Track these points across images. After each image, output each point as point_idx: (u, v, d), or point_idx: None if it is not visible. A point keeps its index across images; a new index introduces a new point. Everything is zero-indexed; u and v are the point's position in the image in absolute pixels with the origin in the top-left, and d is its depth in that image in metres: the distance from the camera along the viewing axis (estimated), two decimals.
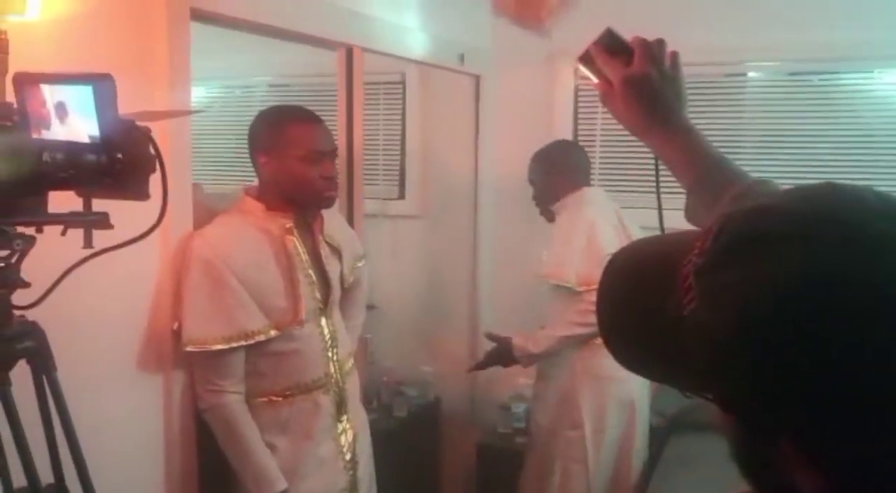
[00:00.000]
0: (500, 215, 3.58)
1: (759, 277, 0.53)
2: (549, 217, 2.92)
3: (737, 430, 0.59)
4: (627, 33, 1.06)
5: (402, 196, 3.72)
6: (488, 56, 3.45)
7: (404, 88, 3.64)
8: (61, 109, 1.06)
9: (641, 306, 0.63)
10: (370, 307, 3.07)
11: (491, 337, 2.90)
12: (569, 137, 3.44)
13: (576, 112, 3.47)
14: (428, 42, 2.99)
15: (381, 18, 2.69)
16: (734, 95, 3.20)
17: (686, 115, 1.05)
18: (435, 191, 3.66)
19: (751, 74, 3.22)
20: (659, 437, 2.96)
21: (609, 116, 3.47)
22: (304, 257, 2.01)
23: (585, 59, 1.06)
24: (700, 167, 1.01)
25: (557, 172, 2.89)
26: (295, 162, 1.95)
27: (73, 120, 1.07)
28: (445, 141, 3.59)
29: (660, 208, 1.05)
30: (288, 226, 1.98)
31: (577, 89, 3.45)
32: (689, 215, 1.02)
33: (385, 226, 3.61)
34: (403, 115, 3.66)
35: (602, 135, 3.40)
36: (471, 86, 3.45)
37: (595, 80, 1.07)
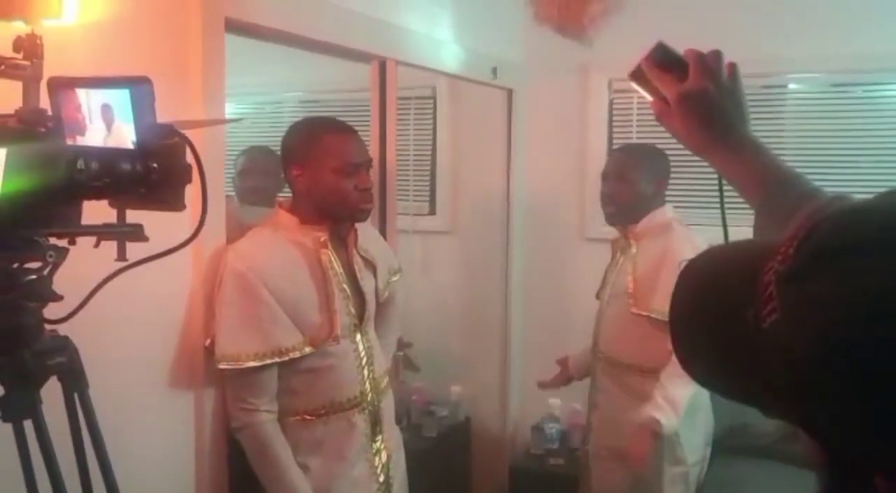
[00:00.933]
0: (532, 231, 3.53)
1: (849, 290, 0.46)
2: (617, 221, 2.62)
3: (824, 460, 0.52)
4: (658, 40, 1.00)
5: (432, 212, 3.67)
6: (521, 69, 3.41)
7: (435, 103, 3.61)
8: (108, 114, 1.02)
9: (719, 316, 0.57)
10: (407, 345, 2.99)
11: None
12: (603, 150, 3.38)
13: (610, 125, 3.41)
14: (461, 55, 2.95)
15: (414, 31, 2.66)
16: (774, 107, 3.13)
17: (749, 129, 0.98)
18: (466, 206, 3.61)
19: (791, 86, 3.15)
20: None
21: (644, 129, 3.36)
22: (339, 270, 1.96)
23: (637, 75, 1.00)
24: (768, 185, 0.93)
25: (661, 182, 2.59)
26: (329, 174, 1.91)
27: (117, 126, 1.02)
28: (476, 156, 3.55)
29: (724, 227, 0.99)
30: (322, 239, 1.93)
31: (611, 102, 3.39)
32: (758, 237, 0.95)
33: (415, 242, 3.57)
34: (434, 129, 3.63)
35: None
36: (503, 100, 3.41)
37: (648, 97, 1.01)
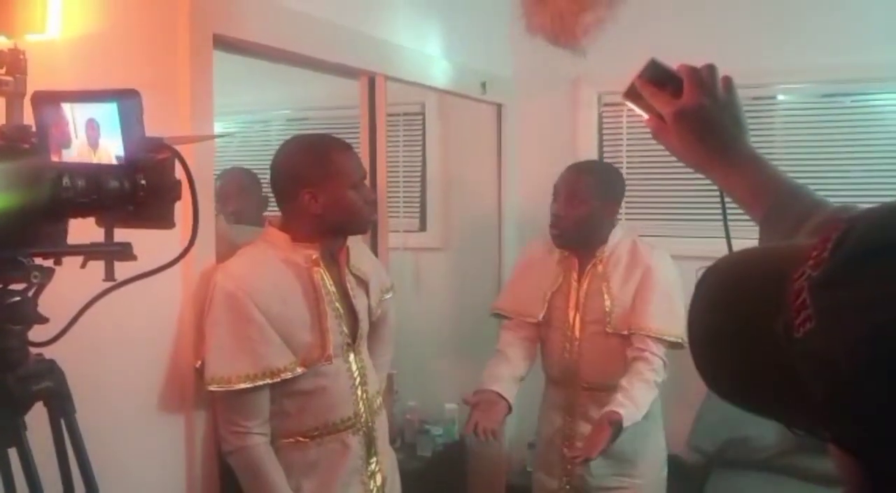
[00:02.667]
0: (524, 246, 3.49)
1: (893, 292, 0.44)
2: (563, 244, 2.50)
3: (861, 478, 0.49)
4: (651, 57, 0.98)
5: (423, 228, 3.65)
6: (510, 84, 3.40)
7: (424, 119, 3.59)
8: (93, 130, 0.99)
9: (743, 327, 0.54)
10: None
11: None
12: None
13: (600, 139, 3.41)
14: (450, 70, 2.94)
15: (403, 47, 2.65)
16: (763, 118, 3.13)
17: (749, 142, 0.97)
18: (457, 222, 3.59)
19: (780, 97, 3.16)
20: (698, 475, 2.84)
21: (634, 142, 3.31)
22: (331, 289, 1.92)
23: (631, 94, 0.99)
24: (771, 198, 0.91)
25: (614, 207, 2.50)
26: (347, 191, 1.89)
27: (104, 142, 0.99)
28: (467, 171, 3.53)
29: (729, 242, 0.97)
30: (314, 257, 1.90)
31: (600, 116, 3.39)
32: None
33: (407, 259, 3.54)
34: (424, 145, 3.61)
35: (628, 162, 3.32)
36: (492, 115, 3.40)
37: (644, 115, 1.00)
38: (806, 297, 0.47)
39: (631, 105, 1.00)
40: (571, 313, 2.52)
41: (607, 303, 2.44)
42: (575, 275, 2.52)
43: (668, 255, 2.51)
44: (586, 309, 2.49)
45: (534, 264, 2.64)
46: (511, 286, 2.73)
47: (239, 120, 3.86)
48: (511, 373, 2.57)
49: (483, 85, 3.14)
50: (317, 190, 1.87)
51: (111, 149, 1.00)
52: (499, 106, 3.38)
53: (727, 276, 0.59)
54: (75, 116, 1.01)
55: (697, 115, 0.93)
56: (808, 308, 0.47)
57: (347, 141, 2.03)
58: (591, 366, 2.48)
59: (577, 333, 2.51)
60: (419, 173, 3.64)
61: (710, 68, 0.96)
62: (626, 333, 2.42)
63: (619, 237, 2.50)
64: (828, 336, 0.46)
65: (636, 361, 2.37)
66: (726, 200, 0.97)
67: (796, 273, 0.49)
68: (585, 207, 2.41)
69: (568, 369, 2.53)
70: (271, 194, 2.97)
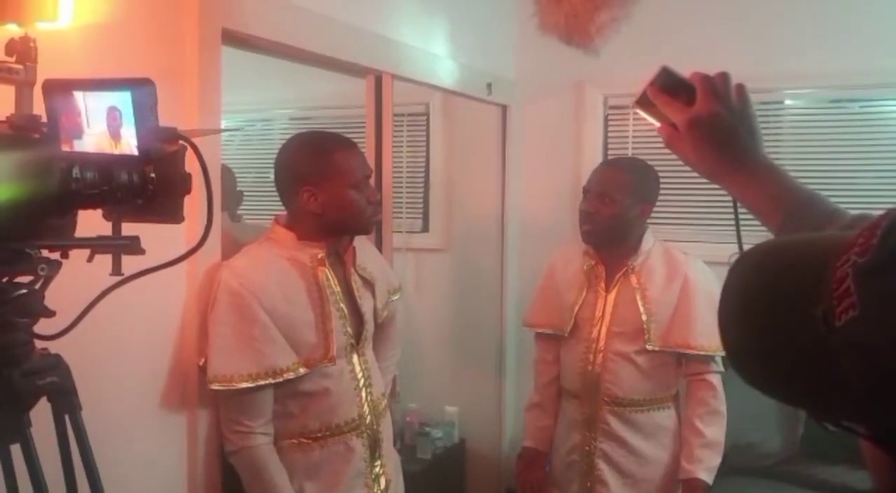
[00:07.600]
0: (527, 249, 3.48)
1: None
2: (592, 241, 2.41)
3: (895, 476, 0.47)
4: (660, 62, 0.97)
5: (425, 229, 3.63)
6: (515, 85, 3.39)
7: (428, 119, 3.57)
8: (115, 119, 0.96)
9: (779, 314, 0.52)
10: None
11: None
12: None
13: (605, 142, 3.39)
14: (456, 71, 2.92)
15: (410, 46, 2.63)
16: (771, 123, 3.11)
17: (763, 151, 0.95)
18: (460, 224, 3.57)
19: (788, 102, 3.14)
20: None
21: (639, 145, 3.25)
22: (336, 289, 1.90)
23: (643, 102, 0.97)
24: (787, 208, 0.90)
25: (647, 206, 2.38)
26: (347, 191, 1.85)
27: (126, 131, 0.97)
28: (470, 173, 3.52)
29: (741, 251, 0.96)
30: (319, 257, 1.87)
31: (606, 118, 3.37)
32: None
33: (409, 260, 3.52)
34: (427, 146, 3.59)
35: None
36: (497, 116, 3.38)
37: (656, 123, 0.98)
38: (850, 284, 0.46)
39: (643, 113, 0.99)
40: (597, 325, 2.42)
41: (643, 317, 2.34)
42: (602, 284, 2.43)
43: (703, 262, 2.43)
44: (614, 320, 2.39)
45: (558, 273, 2.55)
46: (542, 298, 2.60)
47: (242, 118, 3.84)
48: (543, 411, 2.58)
49: (488, 86, 3.13)
50: (316, 188, 1.85)
51: (132, 139, 0.98)
52: (504, 107, 3.36)
53: (763, 261, 0.58)
54: (88, 104, 0.98)
55: (711, 123, 0.92)
56: (851, 296, 0.46)
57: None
58: (614, 380, 2.39)
59: (601, 345, 2.41)
60: (422, 174, 3.62)
61: (724, 76, 0.95)
62: (669, 350, 2.35)
63: (651, 244, 2.42)
64: (872, 324, 0.44)
65: (698, 387, 2.31)
66: (739, 208, 0.96)
67: (839, 261, 0.48)
68: (617, 206, 2.32)
69: (589, 383, 2.43)
70: (246, 189, 2.94)
